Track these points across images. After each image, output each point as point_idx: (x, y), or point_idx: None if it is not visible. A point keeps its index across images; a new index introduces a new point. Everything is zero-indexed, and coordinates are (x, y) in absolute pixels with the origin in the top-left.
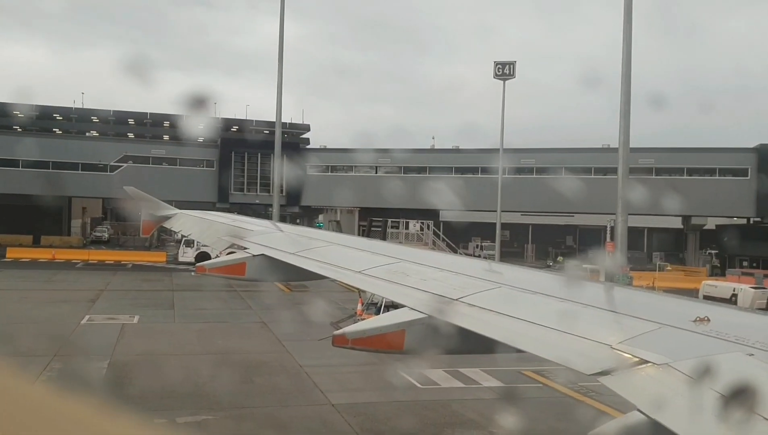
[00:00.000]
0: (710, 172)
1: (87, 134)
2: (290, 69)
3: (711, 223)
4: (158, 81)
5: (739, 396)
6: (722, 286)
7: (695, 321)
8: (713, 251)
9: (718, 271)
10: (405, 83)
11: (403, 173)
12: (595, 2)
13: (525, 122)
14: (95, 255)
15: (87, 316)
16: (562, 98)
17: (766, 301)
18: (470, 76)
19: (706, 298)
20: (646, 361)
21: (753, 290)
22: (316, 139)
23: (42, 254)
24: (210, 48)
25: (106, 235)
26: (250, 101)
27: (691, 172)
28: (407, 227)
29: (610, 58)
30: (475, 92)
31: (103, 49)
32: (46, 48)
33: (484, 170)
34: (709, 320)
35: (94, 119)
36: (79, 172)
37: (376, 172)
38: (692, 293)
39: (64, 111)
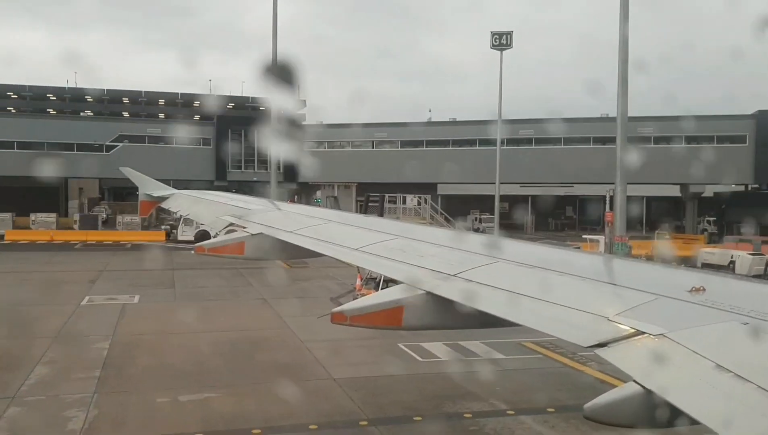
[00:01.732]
0: (709, 139)
1: (81, 114)
2: (287, 48)
3: (709, 191)
4: (157, 61)
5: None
6: (720, 253)
7: (691, 291)
8: (711, 219)
9: (716, 239)
10: (401, 60)
11: (400, 147)
12: None
13: (522, 96)
14: (93, 235)
15: (87, 297)
16: (559, 71)
17: (763, 267)
18: (466, 51)
19: (705, 265)
20: (642, 332)
21: (751, 257)
22: (313, 115)
23: (40, 236)
24: (207, 28)
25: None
26: (248, 80)
27: (690, 140)
28: (405, 202)
29: (604, 29)
30: (472, 67)
31: (99, 32)
32: (45, 30)
33: (482, 142)
34: (704, 290)
35: (88, 98)
36: (75, 152)
37: (373, 147)
38: (691, 261)
39: (58, 91)
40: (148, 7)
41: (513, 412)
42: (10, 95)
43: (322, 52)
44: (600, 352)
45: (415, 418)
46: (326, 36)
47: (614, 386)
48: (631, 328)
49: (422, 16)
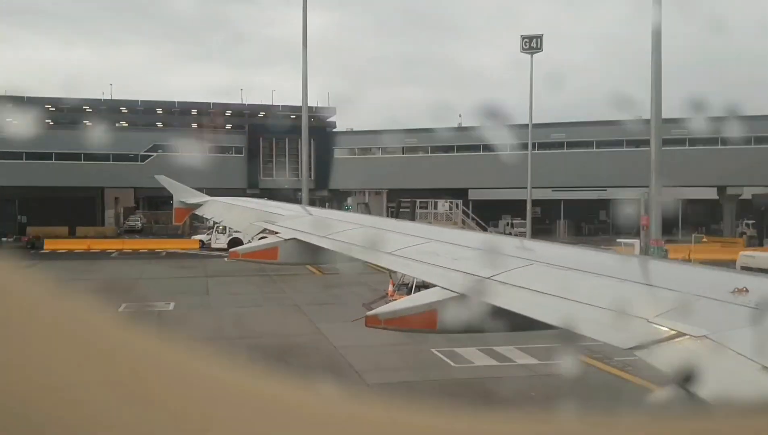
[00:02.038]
0: (746, 141)
1: (116, 125)
2: (318, 58)
3: (747, 193)
4: (197, 74)
5: None
6: (760, 257)
7: (733, 292)
8: (750, 221)
9: (755, 242)
10: (432, 67)
11: (431, 153)
12: None
13: (554, 103)
14: (129, 244)
15: (124, 304)
16: (591, 76)
17: None
18: (497, 57)
19: (744, 269)
20: (684, 334)
21: None
22: (345, 123)
23: (78, 245)
24: (243, 41)
25: (140, 224)
26: (281, 90)
27: (726, 141)
28: (436, 207)
29: (636, 35)
30: (502, 73)
31: (138, 46)
32: (85, 48)
33: (513, 147)
34: (747, 291)
35: (123, 110)
36: (111, 162)
37: (403, 153)
38: (729, 265)
39: (94, 103)
40: (177, 21)
41: None
42: (48, 107)
43: (353, 61)
44: (640, 353)
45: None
46: (356, 45)
47: (653, 391)
48: (672, 329)
49: (451, 24)
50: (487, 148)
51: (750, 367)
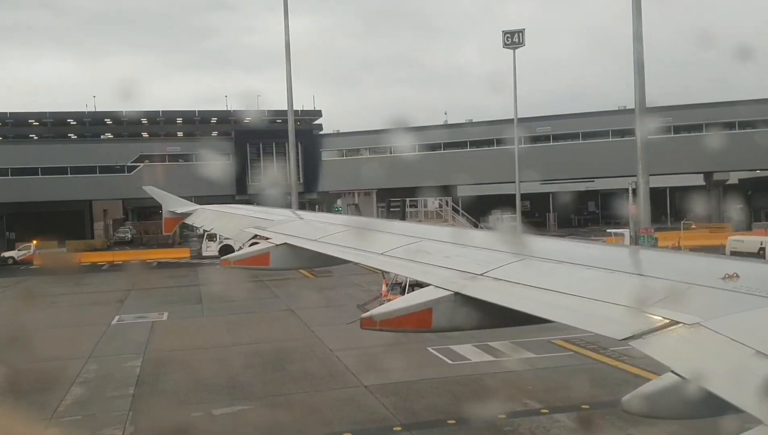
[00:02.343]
0: (730, 126)
1: (102, 137)
2: (303, 62)
3: (734, 178)
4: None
5: None
6: (749, 241)
7: (724, 278)
8: (738, 206)
9: (744, 226)
10: (417, 67)
11: (418, 151)
12: None
13: (538, 98)
14: (120, 256)
15: (117, 317)
16: (574, 70)
17: None
18: (481, 55)
19: (734, 253)
20: (677, 322)
21: None
22: (332, 125)
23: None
24: (227, 48)
25: (129, 236)
26: (268, 95)
27: (710, 127)
28: (426, 205)
29: (617, 25)
30: (486, 70)
31: (124, 56)
32: (70, 61)
33: (500, 142)
34: (738, 276)
35: (108, 121)
36: (97, 175)
37: (391, 153)
38: (719, 250)
39: (78, 115)
40: (165, 30)
41: (547, 411)
42: (32, 123)
43: (338, 63)
44: (635, 343)
45: (448, 422)
46: (341, 48)
47: (649, 380)
48: (665, 318)
49: (435, 24)
50: (474, 144)
51: (744, 352)
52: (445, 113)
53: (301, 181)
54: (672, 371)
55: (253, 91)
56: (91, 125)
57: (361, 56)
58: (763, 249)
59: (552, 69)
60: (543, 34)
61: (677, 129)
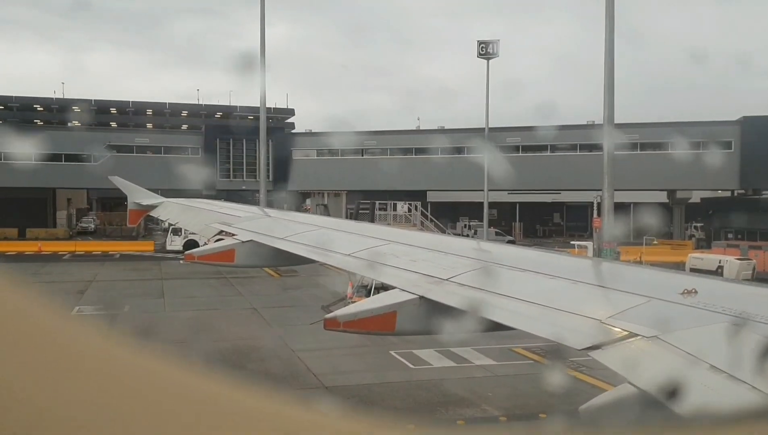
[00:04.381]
0: (695, 145)
1: (69, 124)
2: (280, 67)
3: (696, 197)
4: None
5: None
6: (708, 259)
7: (683, 293)
8: (698, 224)
9: (704, 244)
10: (391, 78)
11: (390, 155)
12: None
13: (510, 114)
14: (82, 246)
15: (77, 308)
16: (545, 87)
17: (751, 272)
18: (455, 70)
19: (693, 270)
20: (636, 335)
21: (738, 262)
22: (305, 127)
23: (28, 247)
24: (207, 50)
25: (93, 226)
26: (239, 93)
27: (676, 146)
28: (395, 209)
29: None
30: (460, 84)
31: (106, 53)
32: (54, 55)
33: (470, 150)
34: (696, 292)
35: (76, 109)
36: (63, 163)
37: (363, 155)
38: (679, 266)
39: (45, 101)
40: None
41: (505, 418)
42: None
43: (314, 70)
44: (594, 354)
45: (408, 426)
46: (318, 56)
47: (606, 390)
48: (625, 330)
49: (412, 38)
50: (445, 150)
51: (699, 366)
52: (418, 119)
53: (271, 178)
54: (629, 382)
55: (226, 89)
56: (58, 112)
57: (336, 64)
58: (721, 267)
59: (523, 84)
60: (515, 51)
61: (643, 146)
